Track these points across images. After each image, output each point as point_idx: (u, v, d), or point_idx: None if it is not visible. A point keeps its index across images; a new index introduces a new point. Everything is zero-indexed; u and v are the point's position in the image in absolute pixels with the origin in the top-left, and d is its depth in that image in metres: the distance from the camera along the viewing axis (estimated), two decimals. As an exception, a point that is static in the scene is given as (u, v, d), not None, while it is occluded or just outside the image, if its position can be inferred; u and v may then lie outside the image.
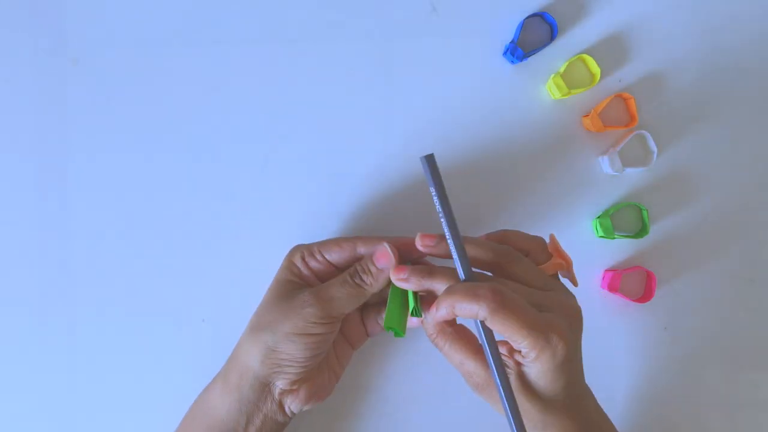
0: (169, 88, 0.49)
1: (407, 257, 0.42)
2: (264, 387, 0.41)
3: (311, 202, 0.49)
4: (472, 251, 0.39)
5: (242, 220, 0.49)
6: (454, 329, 0.41)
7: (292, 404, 0.42)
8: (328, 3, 0.49)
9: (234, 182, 0.49)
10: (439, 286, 0.39)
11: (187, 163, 0.49)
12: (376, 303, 0.45)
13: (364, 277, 0.41)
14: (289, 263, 0.44)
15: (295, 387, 0.42)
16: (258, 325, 0.42)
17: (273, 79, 0.49)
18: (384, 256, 0.41)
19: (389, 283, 0.42)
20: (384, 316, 0.42)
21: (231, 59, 0.49)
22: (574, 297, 0.40)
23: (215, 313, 0.49)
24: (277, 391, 0.42)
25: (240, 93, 0.49)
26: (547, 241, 0.42)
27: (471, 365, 0.40)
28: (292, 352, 0.40)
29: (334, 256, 0.43)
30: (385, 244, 0.41)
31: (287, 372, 0.41)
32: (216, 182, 0.49)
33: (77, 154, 0.50)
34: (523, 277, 0.39)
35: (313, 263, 0.43)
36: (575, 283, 0.42)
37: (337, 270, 0.44)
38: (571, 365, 0.38)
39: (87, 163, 0.50)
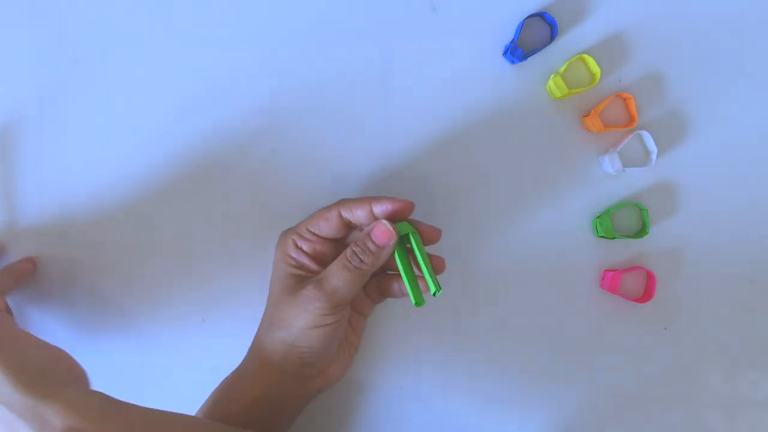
0: (170, 88, 0.49)
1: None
2: (292, 378, 0.42)
3: (311, 202, 0.49)
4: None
5: (242, 220, 0.49)
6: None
7: (321, 386, 0.44)
8: (329, 3, 0.49)
9: (234, 182, 0.49)
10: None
11: (187, 163, 0.49)
12: (374, 273, 0.44)
13: (365, 258, 0.40)
14: (283, 255, 0.43)
15: (321, 372, 0.43)
16: (273, 324, 0.43)
17: (273, 78, 0.49)
18: (385, 234, 0.40)
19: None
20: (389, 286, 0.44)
21: (231, 59, 0.49)
22: None
23: (215, 313, 0.49)
24: (306, 380, 0.43)
25: (240, 93, 0.49)
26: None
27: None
28: (311, 344, 0.41)
29: (324, 229, 0.43)
30: (384, 222, 0.41)
31: (312, 361, 0.42)
32: (216, 182, 0.49)
33: (77, 154, 0.50)
34: None
35: (305, 246, 0.43)
36: None
37: (331, 242, 0.44)
38: None
39: (87, 162, 0.50)
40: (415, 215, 0.48)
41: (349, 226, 0.43)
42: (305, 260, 0.43)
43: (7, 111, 0.50)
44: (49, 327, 0.50)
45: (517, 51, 0.47)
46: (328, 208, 0.43)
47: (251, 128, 0.49)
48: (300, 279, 0.42)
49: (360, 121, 0.49)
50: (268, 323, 0.43)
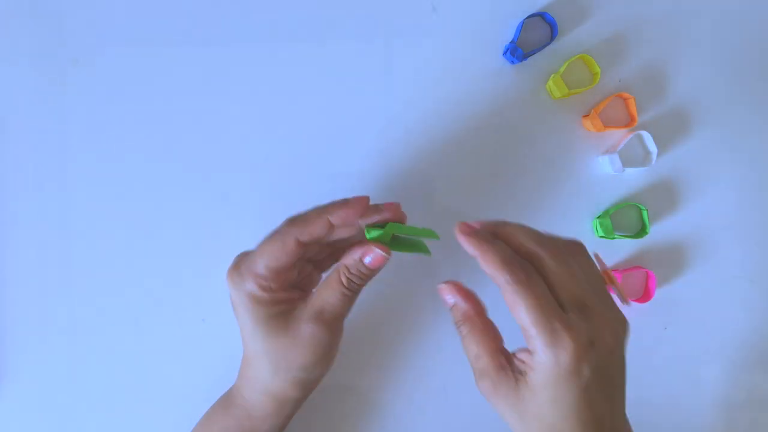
0: (169, 88, 0.49)
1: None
2: (301, 402, 0.43)
3: (311, 202, 0.49)
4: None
5: (242, 220, 0.49)
6: (481, 321, 0.37)
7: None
8: (329, 3, 0.49)
9: (234, 182, 0.49)
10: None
11: (187, 163, 0.49)
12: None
13: (361, 281, 0.39)
14: (253, 303, 0.38)
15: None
16: (280, 368, 0.39)
17: (273, 79, 0.49)
18: (379, 260, 0.38)
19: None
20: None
21: (231, 59, 0.49)
22: (621, 313, 0.35)
23: (215, 313, 0.49)
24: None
25: (240, 93, 0.49)
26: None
27: (485, 362, 0.35)
28: (324, 371, 0.41)
29: (284, 261, 0.38)
30: (375, 249, 0.38)
31: (319, 380, 0.42)
32: (216, 182, 0.49)
33: (77, 154, 0.50)
34: (576, 272, 0.34)
35: (274, 284, 0.38)
36: (625, 300, 0.40)
37: (293, 266, 0.39)
38: (592, 394, 0.31)
39: (87, 163, 0.50)
40: (415, 215, 0.48)
41: (301, 246, 0.38)
42: (282, 295, 0.39)
43: (6, 111, 0.50)
44: (48, 327, 0.50)
45: (517, 51, 0.47)
46: (281, 237, 0.38)
47: (250, 129, 0.49)
48: (285, 313, 0.39)
49: (360, 121, 0.49)
50: (271, 368, 0.39)
